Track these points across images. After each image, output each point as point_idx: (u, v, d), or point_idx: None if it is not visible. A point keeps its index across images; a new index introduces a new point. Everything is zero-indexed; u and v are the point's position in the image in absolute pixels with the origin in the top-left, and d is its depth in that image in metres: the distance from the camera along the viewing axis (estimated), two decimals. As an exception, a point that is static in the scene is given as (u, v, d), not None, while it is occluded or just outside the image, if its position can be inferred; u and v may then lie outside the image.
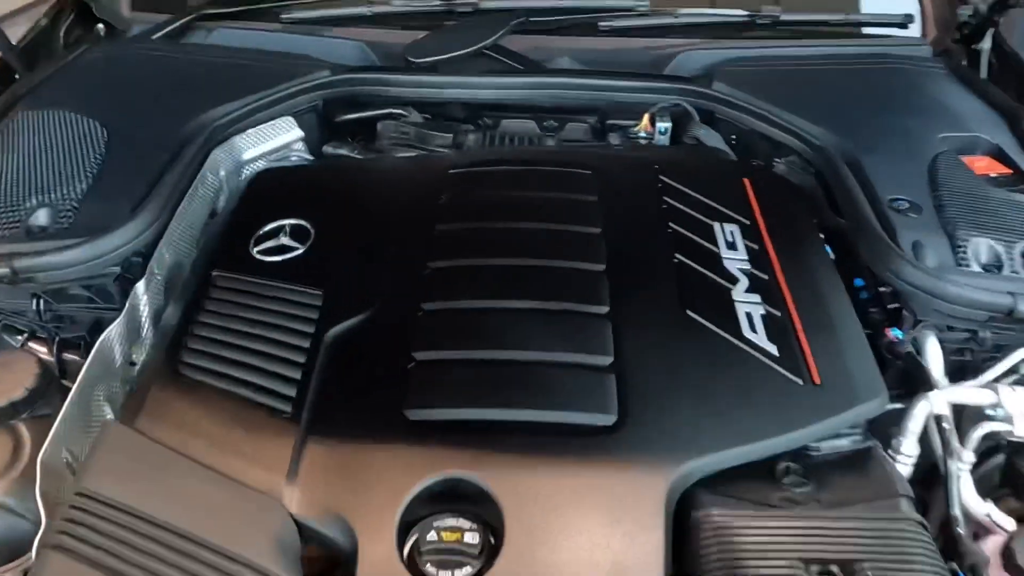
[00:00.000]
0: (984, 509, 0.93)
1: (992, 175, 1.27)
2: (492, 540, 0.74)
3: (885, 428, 0.97)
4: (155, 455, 0.80)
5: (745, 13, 1.62)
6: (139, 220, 1.07)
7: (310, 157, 1.37)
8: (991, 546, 0.88)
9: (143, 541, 0.72)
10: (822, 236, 1.15)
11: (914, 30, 1.68)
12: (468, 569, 0.72)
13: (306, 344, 0.91)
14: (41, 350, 1.08)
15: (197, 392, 0.87)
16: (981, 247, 1.08)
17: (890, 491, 0.84)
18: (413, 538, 0.74)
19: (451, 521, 0.75)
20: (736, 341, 0.92)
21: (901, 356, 0.99)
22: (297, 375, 0.88)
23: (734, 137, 1.40)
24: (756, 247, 1.06)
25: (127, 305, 1.00)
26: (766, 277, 1.02)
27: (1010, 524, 0.93)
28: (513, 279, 0.97)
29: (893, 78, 1.48)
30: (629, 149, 1.34)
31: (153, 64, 1.46)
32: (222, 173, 1.28)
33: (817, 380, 0.89)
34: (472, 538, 0.74)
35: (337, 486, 0.78)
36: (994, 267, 1.07)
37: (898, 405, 0.97)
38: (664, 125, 1.40)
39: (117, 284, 1.05)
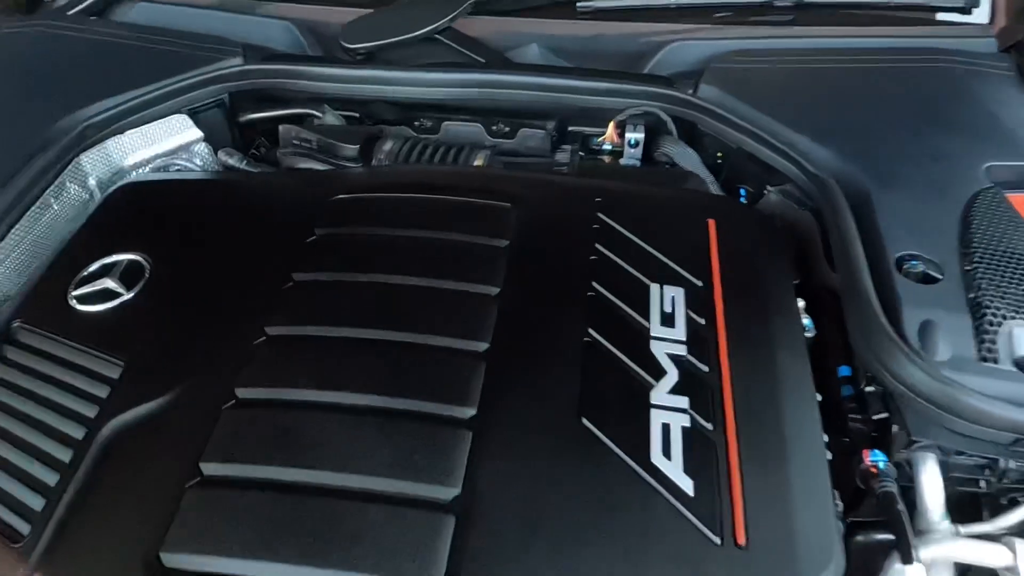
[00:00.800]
0: None
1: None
2: None
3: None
4: None
5: (759, -7, 1.32)
6: None
7: (216, 163, 1.16)
8: None
9: None
10: (802, 305, 0.88)
11: (979, 15, 1.35)
12: None
13: (79, 436, 0.71)
14: None
15: None
16: (1019, 335, 0.79)
17: None
18: None
19: None
20: (639, 469, 0.67)
21: (876, 495, 0.72)
22: (53, 481, 0.68)
23: (720, 156, 1.13)
24: (702, 322, 0.80)
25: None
26: (705, 370, 0.76)
27: None
28: (359, 363, 0.74)
29: (936, 81, 1.17)
30: (575, 170, 1.08)
31: (53, 45, 1.27)
32: (91, 182, 1.08)
33: (742, 540, 0.64)
34: None
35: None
36: (1033, 366, 0.78)
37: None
38: (635, 136, 1.14)
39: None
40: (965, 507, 0.79)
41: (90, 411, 0.73)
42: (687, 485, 0.66)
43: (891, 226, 0.91)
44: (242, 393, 0.72)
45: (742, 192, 1.11)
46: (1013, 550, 0.70)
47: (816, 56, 1.23)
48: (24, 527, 0.66)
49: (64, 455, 0.70)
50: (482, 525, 0.63)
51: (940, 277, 0.85)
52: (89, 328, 0.82)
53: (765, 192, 1.07)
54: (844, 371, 0.85)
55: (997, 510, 0.76)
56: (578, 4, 1.32)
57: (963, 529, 0.74)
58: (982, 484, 0.78)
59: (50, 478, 0.69)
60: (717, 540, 0.63)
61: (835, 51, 1.25)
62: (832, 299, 0.91)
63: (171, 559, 0.62)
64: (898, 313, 0.81)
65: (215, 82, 1.17)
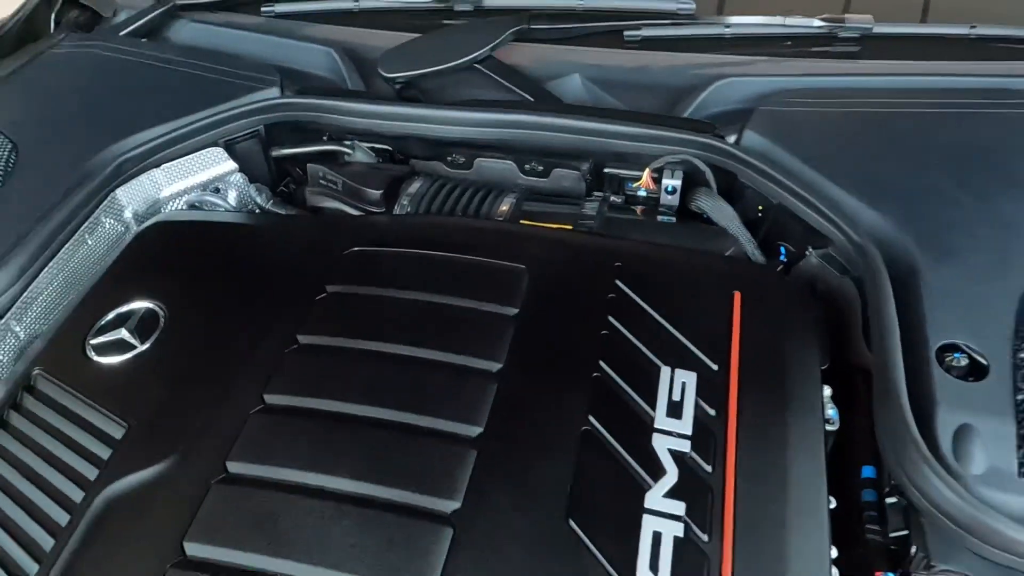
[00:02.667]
0: None
1: None
2: None
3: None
4: None
5: (824, 24, 1.23)
6: None
7: (249, 196, 1.17)
8: None
9: None
10: (828, 393, 0.81)
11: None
12: None
13: (77, 500, 0.73)
14: None
15: None
16: (1069, 447, 0.72)
17: None
18: None
19: None
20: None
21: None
22: (48, 546, 0.70)
23: (761, 210, 1.06)
24: (712, 413, 0.76)
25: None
26: (708, 470, 0.72)
27: None
28: (351, 443, 0.73)
29: (1021, 132, 1.06)
30: (603, 223, 1.03)
31: (101, 69, 1.30)
32: (127, 215, 1.10)
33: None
34: None
35: None
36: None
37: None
38: (672, 183, 1.08)
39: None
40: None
41: (91, 473, 0.75)
42: (677, 543, 0.63)
43: (938, 308, 0.83)
44: (232, 467, 0.72)
45: (782, 250, 1.04)
46: None
47: (881, 98, 1.14)
48: (17, 588, 0.68)
49: (62, 519, 0.72)
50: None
51: (987, 373, 0.78)
52: (102, 381, 0.84)
53: (806, 254, 1.00)
54: (868, 472, 0.79)
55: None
56: (625, 33, 1.27)
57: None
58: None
59: (46, 542, 0.71)
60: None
61: (905, 91, 1.15)
62: (865, 384, 0.84)
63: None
64: (932, 414, 0.74)
65: (251, 114, 1.17)
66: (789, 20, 1.25)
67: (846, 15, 1.23)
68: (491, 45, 1.24)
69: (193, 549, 0.67)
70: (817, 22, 1.23)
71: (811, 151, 1.03)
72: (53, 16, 1.54)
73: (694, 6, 1.26)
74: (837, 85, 1.16)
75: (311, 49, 1.32)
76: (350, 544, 0.66)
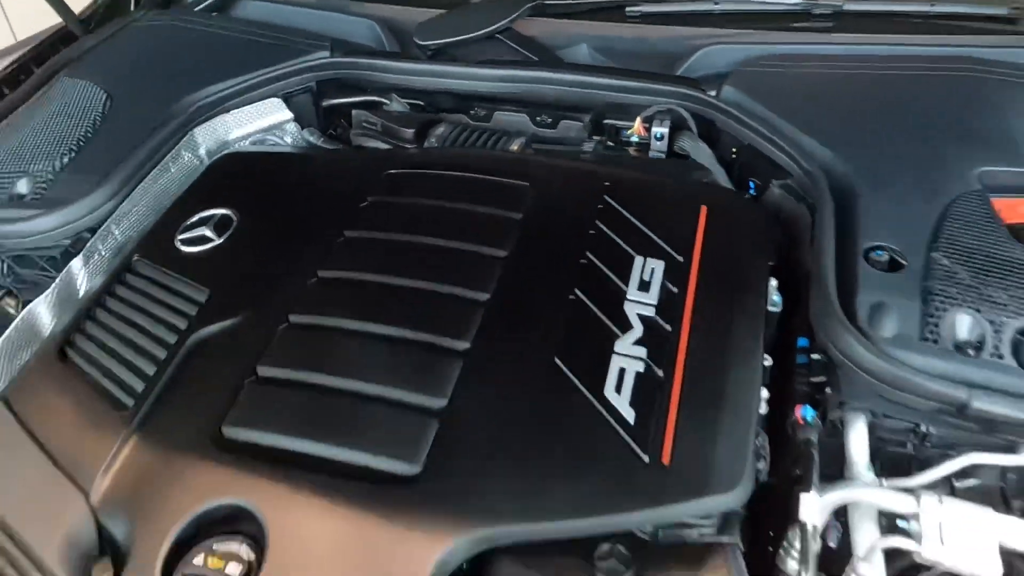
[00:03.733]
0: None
1: (1031, 223, 1.04)
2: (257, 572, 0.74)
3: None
4: (6, 432, 0.87)
5: (799, 2, 1.42)
6: (95, 196, 1.14)
7: (302, 139, 1.38)
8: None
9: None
10: (775, 284, 1.00)
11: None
12: (220, 597, 0.72)
13: (172, 341, 0.94)
14: (11, 307, 1.19)
15: (67, 373, 0.93)
16: (961, 321, 0.89)
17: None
18: (184, 558, 0.75)
19: (220, 548, 0.75)
20: (592, 399, 0.83)
21: (797, 443, 0.85)
22: (151, 371, 0.91)
23: (734, 151, 1.24)
24: (674, 291, 0.94)
25: (58, 279, 1.07)
26: (668, 329, 0.90)
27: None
28: (386, 301, 0.93)
29: (958, 90, 1.23)
30: (598, 158, 1.23)
31: (178, 38, 1.53)
32: (202, 152, 1.32)
33: (666, 460, 0.78)
34: (234, 569, 0.73)
35: (136, 489, 0.81)
36: (973, 348, 0.88)
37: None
38: (660, 131, 1.27)
39: (62, 258, 1.13)
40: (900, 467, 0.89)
41: (182, 324, 0.96)
42: (629, 415, 0.81)
43: (869, 220, 1.01)
44: (294, 319, 0.93)
45: (751, 185, 1.22)
46: (918, 499, 0.81)
47: (846, 62, 1.32)
48: (128, 401, 0.89)
49: (160, 353, 0.93)
50: (456, 430, 0.81)
51: (903, 267, 0.95)
52: (188, 264, 1.05)
53: (771, 186, 1.18)
54: (802, 342, 0.96)
55: (924, 469, 0.87)
56: (627, 9, 1.46)
57: (887, 482, 0.85)
58: (908, 446, 0.89)
59: (149, 368, 0.91)
60: (646, 459, 0.78)
61: (866, 58, 1.33)
62: (807, 281, 1.02)
63: (229, 432, 0.83)
64: (854, 295, 0.92)
65: (305, 72, 1.39)
66: (769, -1, 1.43)
67: (819, -6, 1.42)
68: (510, 18, 1.44)
69: (264, 371, 0.88)
70: (793, 0, 1.42)
71: (778, 103, 1.21)
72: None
73: (688, -15, 1.46)
74: (804, 52, 1.34)
75: (356, 21, 1.53)
76: (386, 367, 0.86)
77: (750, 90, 1.24)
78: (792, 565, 0.79)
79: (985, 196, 1.04)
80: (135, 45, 1.53)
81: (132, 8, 1.76)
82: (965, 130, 1.14)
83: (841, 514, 0.85)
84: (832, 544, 0.85)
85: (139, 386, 0.90)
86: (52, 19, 1.65)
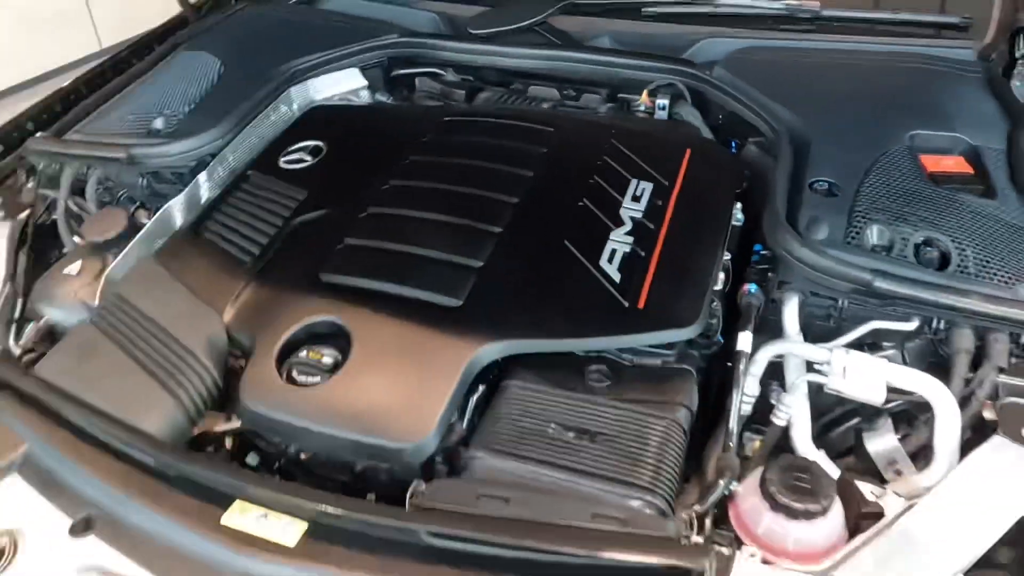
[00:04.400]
0: (813, 456, 1.06)
1: (948, 173, 1.31)
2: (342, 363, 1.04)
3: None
4: (161, 278, 1.19)
5: (784, 6, 1.72)
6: (213, 131, 1.48)
7: (369, 101, 1.72)
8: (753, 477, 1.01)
9: (138, 327, 1.12)
10: (740, 205, 1.29)
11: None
12: (318, 379, 1.02)
13: (280, 223, 1.26)
14: (144, 217, 1.53)
15: (201, 242, 1.26)
16: (875, 231, 1.17)
17: (673, 400, 1.02)
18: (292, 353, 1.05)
19: (318, 347, 1.05)
20: (589, 266, 1.12)
21: (741, 308, 1.13)
22: (265, 241, 1.23)
23: (720, 117, 1.54)
24: (659, 203, 1.24)
25: (187, 189, 1.41)
26: (651, 226, 1.20)
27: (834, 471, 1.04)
28: (441, 200, 1.24)
29: (906, 76, 1.52)
30: (610, 116, 1.54)
31: (278, 21, 1.89)
32: (295, 107, 1.66)
33: (641, 305, 1.07)
34: (328, 359, 1.04)
35: (257, 313, 1.12)
36: (884, 250, 1.15)
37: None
38: (663, 101, 1.58)
39: (191, 174, 1.46)
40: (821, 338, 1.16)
41: (286, 212, 1.28)
42: (616, 276, 1.11)
43: (815, 161, 1.30)
44: (372, 210, 1.24)
45: (732, 143, 1.52)
46: (831, 351, 1.08)
47: (817, 55, 1.62)
48: (247, 259, 1.21)
49: (270, 231, 1.25)
50: (488, 281, 1.11)
51: (837, 195, 1.24)
52: (290, 175, 1.37)
53: (747, 143, 1.48)
54: (758, 247, 1.25)
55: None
56: (643, 9, 1.78)
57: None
58: (830, 321, 1.17)
59: (262, 239, 1.23)
60: (626, 304, 1.07)
61: (837, 51, 1.63)
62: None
63: (325, 277, 1.14)
64: (797, 211, 1.21)
65: (378, 49, 1.73)
66: (761, 3, 1.74)
67: (802, 1, 1.72)
68: (546, 14, 1.77)
69: (350, 240, 1.19)
70: (779, 5, 1.72)
71: (757, 80, 1.51)
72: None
73: (694, -9, 1.77)
74: (784, 46, 1.64)
75: (421, 14, 1.87)
76: (439, 239, 1.16)
77: (736, 71, 1.55)
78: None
79: (913, 152, 1.32)
80: (242, 26, 1.89)
81: (234, 2, 2.14)
82: (904, 104, 1.43)
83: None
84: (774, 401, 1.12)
85: (256, 250, 1.22)
86: (135, 30, 2.01)
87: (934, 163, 1.34)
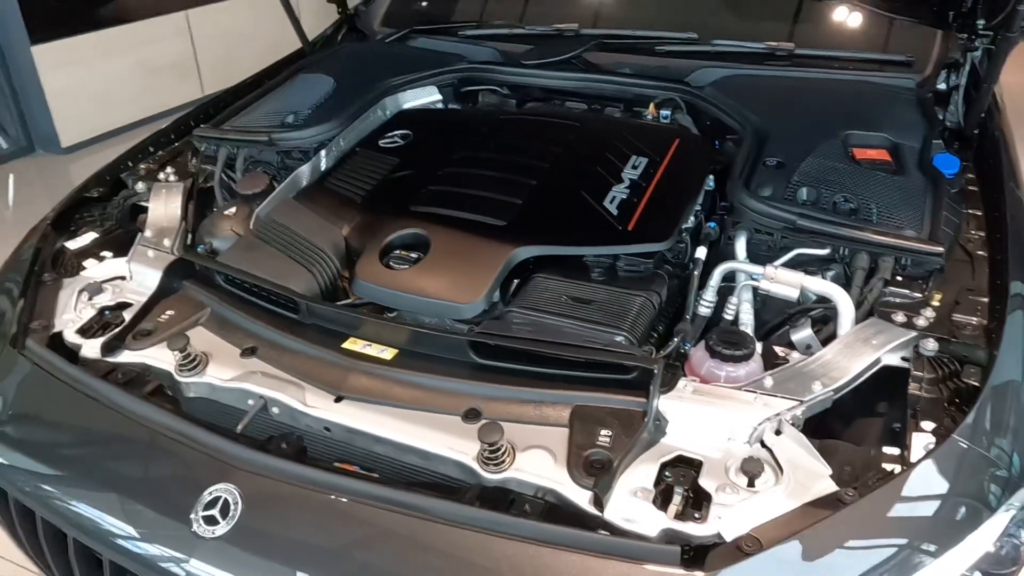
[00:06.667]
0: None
1: (871, 159, 1.77)
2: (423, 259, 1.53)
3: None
4: (298, 209, 1.72)
5: (765, 46, 2.22)
6: (329, 124, 2.02)
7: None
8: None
9: (284, 236, 1.64)
10: (712, 177, 1.76)
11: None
12: (406, 266, 1.51)
13: (379, 178, 1.78)
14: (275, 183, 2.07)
15: (325, 189, 1.79)
16: (805, 191, 1.64)
17: (648, 288, 1.48)
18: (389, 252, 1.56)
19: (406, 251, 1.55)
20: (595, 205, 1.61)
21: (701, 235, 1.60)
22: (369, 188, 1.75)
23: (708, 122, 2.03)
24: (651, 171, 1.73)
25: (311, 161, 1.95)
26: (643, 184, 1.68)
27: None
28: (494, 164, 1.75)
29: (853, 95, 2.00)
30: (623, 118, 2.05)
31: (377, 53, 2.47)
32: (388, 112, 2.21)
33: (630, 228, 1.55)
34: (416, 255, 1.53)
35: (365, 229, 1.63)
36: (810, 204, 1.61)
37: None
38: (666, 112, 2.08)
39: (313, 152, 2.00)
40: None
41: (382, 173, 1.80)
42: (615, 211, 1.59)
43: (771, 148, 1.77)
44: (444, 170, 1.76)
45: (716, 143, 2.00)
46: (764, 265, 1.53)
47: (789, 81, 2.11)
48: (356, 199, 1.73)
49: (369, 185, 1.77)
50: (527, 213, 1.60)
51: (783, 168, 1.70)
52: (385, 151, 1.91)
53: (726, 139, 1.96)
54: (724, 203, 1.71)
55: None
56: (656, 47, 2.30)
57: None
58: (768, 250, 1.61)
59: (366, 186, 1.75)
60: (620, 227, 1.55)
61: (805, 79, 2.11)
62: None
63: (414, 208, 1.65)
64: (751, 177, 1.68)
65: (451, 73, 2.27)
66: (747, 43, 2.24)
67: (779, 43, 2.21)
68: (581, 50, 2.30)
69: (432, 187, 1.70)
70: (761, 45, 2.22)
71: (738, 96, 2.00)
72: (340, 37, 2.77)
73: (696, 36, 2.28)
74: (762, 74, 2.13)
75: (484, 49, 2.43)
76: (479, 201, 1.66)
77: (722, 90, 2.04)
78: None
79: (847, 145, 1.78)
80: (349, 57, 2.48)
81: (339, 39, 2.74)
82: (848, 113, 1.90)
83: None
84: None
85: (362, 194, 1.74)
86: (233, 79, 2.59)
87: (862, 153, 1.80)
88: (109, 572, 1.22)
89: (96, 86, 5.24)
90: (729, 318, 1.54)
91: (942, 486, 1.10)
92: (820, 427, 1.29)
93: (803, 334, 1.49)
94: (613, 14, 2.54)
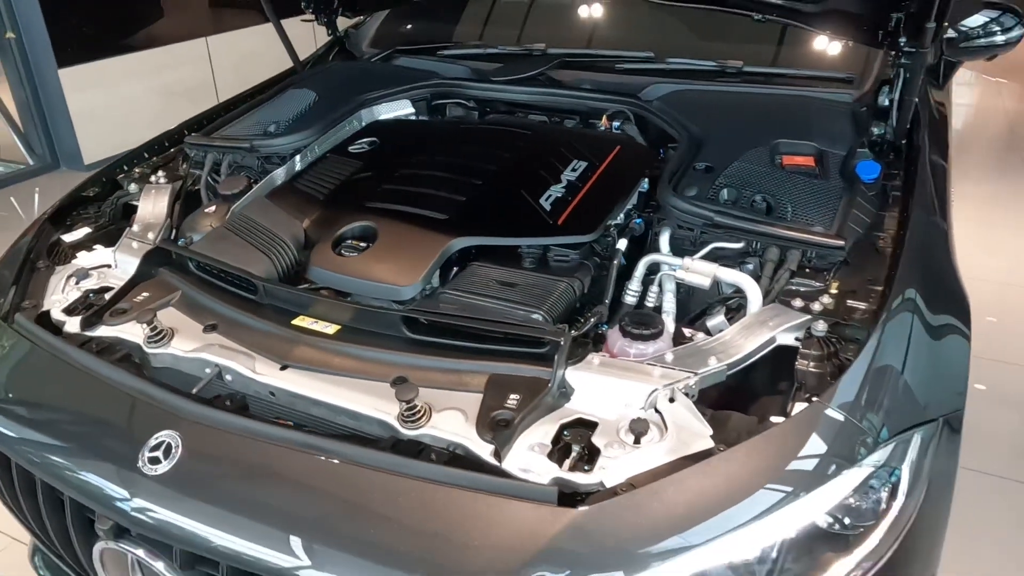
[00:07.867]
0: (669, 322, 1.64)
1: (796, 164, 1.90)
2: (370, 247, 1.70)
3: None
4: (266, 205, 1.90)
5: (715, 64, 2.37)
6: (306, 132, 2.21)
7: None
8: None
9: (251, 228, 1.81)
10: (646, 180, 1.91)
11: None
12: (355, 254, 1.68)
13: (340, 180, 1.95)
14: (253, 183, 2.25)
15: (294, 189, 1.97)
16: (726, 192, 1.78)
17: (572, 275, 1.63)
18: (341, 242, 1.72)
19: (358, 239, 1.71)
20: (532, 202, 1.76)
21: (625, 233, 1.74)
22: (333, 187, 1.92)
23: (654, 132, 2.18)
24: (588, 174, 1.88)
25: (286, 164, 2.13)
26: (580, 185, 1.84)
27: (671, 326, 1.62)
28: (447, 167, 1.92)
29: (792, 108, 2.14)
30: (575, 128, 2.21)
31: (359, 70, 2.67)
32: (362, 123, 2.39)
33: (560, 223, 1.70)
34: (364, 245, 1.70)
35: (323, 222, 1.80)
36: (731, 204, 1.75)
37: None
38: (616, 123, 2.24)
39: (290, 158, 2.19)
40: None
41: (347, 174, 1.98)
42: (548, 208, 1.75)
43: (703, 154, 1.92)
44: (400, 172, 1.93)
45: (661, 151, 2.15)
46: (682, 257, 1.67)
47: (734, 96, 2.26)
48: (320, 196, 1.90)
49: (334, 183, 1.94)
50: (468, 208, 1.76)
51: (712, 171, 1.85)
52: (352, 155, 2.08)
53: (668, 148, 2.11)
54: (653, 203, 1.86)
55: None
56: (616, 65, 2.46)
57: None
58: (689, 244, 1.75)
59: (331, 187, 1.92)
60: (551, 222, 1.70)
61: (750, 94, 2.26)
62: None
63: (368, 204, 1.81)
64: (681, 180, 1.82)
65: (424, 88, 2.46)
66: (699, 61, 2.40)
67: (728, 61, 2.37)
68: (546, 68, 2.47)
69: (387, 186, 1.87)
70: (712, 63, 2.38)
71: (682, 109, 2.15)
72: (331, 57, 2.98)
73: (653, 54, 2.45)
74: (710, 89, 2.28)
75: (457, 67, 2.61)
76: (442, 186, 1.82)
77: (668, 103, 2.20)
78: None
79: (775, 152, 1.92)
80: (333, 73, 2.68)
81: (330, 59, 2.95)
82: (781, 123, 2.04)
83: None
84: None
85: (327, 189, 1.91)
86: None
87: (790, 159, 1.93)
88: (69, 509, 1.38)
89: (118, 107, 5.54)
90: (651, 305, 1.68)
91: (801, 442, 1.22)
92: (728, 404, 1.42)
93: (716, 320, 1.62)
94: (579, 35, 2.72)
